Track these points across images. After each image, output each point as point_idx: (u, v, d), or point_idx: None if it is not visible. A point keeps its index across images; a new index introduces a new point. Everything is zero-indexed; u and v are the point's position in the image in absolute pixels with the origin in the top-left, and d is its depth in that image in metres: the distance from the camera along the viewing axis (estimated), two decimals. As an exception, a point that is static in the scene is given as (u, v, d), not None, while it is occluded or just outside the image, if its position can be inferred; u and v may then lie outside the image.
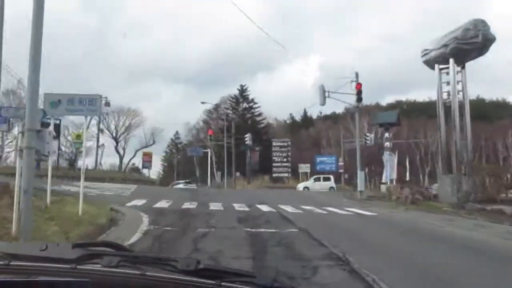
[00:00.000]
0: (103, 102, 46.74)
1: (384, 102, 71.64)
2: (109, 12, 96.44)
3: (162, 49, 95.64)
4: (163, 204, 15.30)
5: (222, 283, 1.03)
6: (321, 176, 43.30)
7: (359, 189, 24.65)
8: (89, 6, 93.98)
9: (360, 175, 24.60)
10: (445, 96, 23.54)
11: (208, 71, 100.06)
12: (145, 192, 20.83)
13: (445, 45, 23.16)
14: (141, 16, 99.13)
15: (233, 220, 11.65)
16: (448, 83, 23.32)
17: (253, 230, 9.92)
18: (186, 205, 15.19)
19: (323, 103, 24.75)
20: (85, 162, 46.30)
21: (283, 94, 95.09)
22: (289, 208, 15.79)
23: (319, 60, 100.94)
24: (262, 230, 10.02)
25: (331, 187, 40.79)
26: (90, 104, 10.19)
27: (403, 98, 74.42)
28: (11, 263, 1.10)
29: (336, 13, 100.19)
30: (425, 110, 56.25)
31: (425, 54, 26.27)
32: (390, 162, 30.62)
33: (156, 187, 32.03)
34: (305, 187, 39.89)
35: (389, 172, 29.90)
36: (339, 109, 76.69)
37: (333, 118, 74.50)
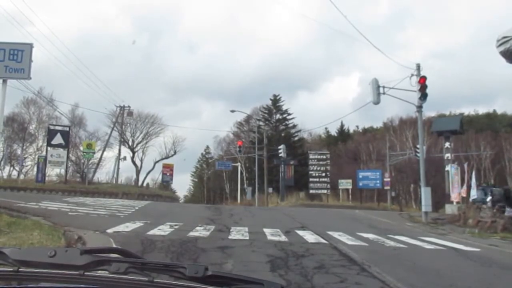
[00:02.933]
0: (125, 110, 43.12)
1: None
2: (159, 32, 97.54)
3: (206, 67, 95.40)
4: (163, 229, 10.69)
5: None
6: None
7: (423, 210, 19.39)
8: (142, 27, 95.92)
9: (425, 193, 19.33)
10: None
11: (248, 89, 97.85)
12: (152, 211, 16.35)
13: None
14: (188, 35, 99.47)
15: (263, 264, 6.91)
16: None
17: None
18: (196, 232, 10.53)
19: (377, 100, 19.77)
20: (98, 175, 42.89)
21: (319, 111, 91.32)
22: (343, 237, 10.92)
23: (360, 76, 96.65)
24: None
25: None
26: (13, 59, 5.73)
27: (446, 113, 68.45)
28: (20, 269, 1.10)
29: (382, 29, 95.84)
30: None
31: (503, 43, 20.91)
32: (455, 176, 25.21)
33: (172, 204, 27.57)
34: None
35: (455, 189, 24.48)
36: (377, 123, 71.64)
37: (372, 131, 69.39)
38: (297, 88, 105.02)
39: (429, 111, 52.27)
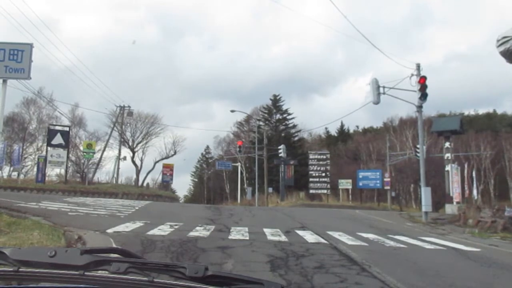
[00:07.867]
0: (125, 111, 43.10)
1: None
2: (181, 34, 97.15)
3: (221, 67, 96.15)
4: (163, 229, 10.70)
5: None
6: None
7: (423, 210, 19.41)
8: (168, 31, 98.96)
9: (425, 193, 19.35)
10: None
11: (261, 90, 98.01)
12: (152, 211, 16.35)
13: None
14: (202, 36, 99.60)
15: (263, 264, 6.92)
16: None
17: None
18: (196, 232, 10.53)
19: (376, 100, 19.78)
20: (98, 175, 42.89)
21: (333, 111, 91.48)
22: (343, 237, 10.92)
23: (375, 75, 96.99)
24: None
25: None
26: (13, 59, 5.72)
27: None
28: (20, 269, 1.10)
29: (395, 30, 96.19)
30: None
31: (503, 43, 20.86)
32: (455, 176, 25.24)
33: (172, 204, 27.57)
34: None
35: (455, 189, 24.52)
36: (377, 123, 71.62)
37: (372, 131, 69.32)
38: (311, 89, 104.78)
39: (429, 111, 52.23)
